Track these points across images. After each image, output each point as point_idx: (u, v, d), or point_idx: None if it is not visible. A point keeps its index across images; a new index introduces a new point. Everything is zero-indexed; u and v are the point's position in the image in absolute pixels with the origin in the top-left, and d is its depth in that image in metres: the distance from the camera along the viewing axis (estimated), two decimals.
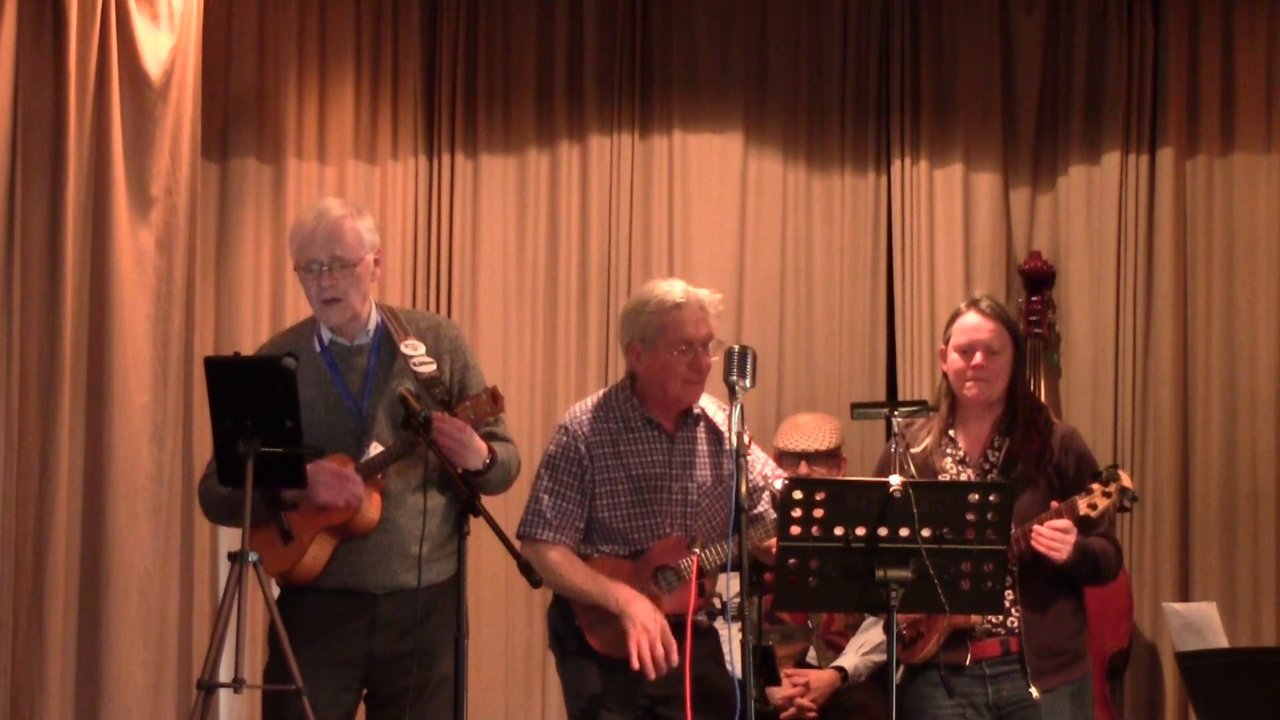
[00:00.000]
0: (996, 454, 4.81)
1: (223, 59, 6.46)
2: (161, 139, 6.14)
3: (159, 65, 6.14)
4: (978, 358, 4.79)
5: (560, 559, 4.74)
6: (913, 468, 4.82)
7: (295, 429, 4.28)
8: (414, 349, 4.63)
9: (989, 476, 4.76)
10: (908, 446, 4.87)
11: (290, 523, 4.47)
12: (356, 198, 6.53)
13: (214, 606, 5.96)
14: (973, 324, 4.82)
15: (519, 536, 4.76)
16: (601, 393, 4.96)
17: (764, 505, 4.86)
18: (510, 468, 4.70)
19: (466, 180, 6.71)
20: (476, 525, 4.44)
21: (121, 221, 6.07)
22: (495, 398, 4.56)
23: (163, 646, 6.04)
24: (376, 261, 4.69)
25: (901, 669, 4.78)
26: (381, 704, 4.63)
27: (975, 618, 4.66)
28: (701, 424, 4.87)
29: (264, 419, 4.25)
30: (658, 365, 4.78)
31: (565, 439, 4.82)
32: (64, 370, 5.94)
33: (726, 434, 4.80)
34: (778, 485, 4.69)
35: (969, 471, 4.80)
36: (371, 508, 4.54)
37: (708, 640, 4.78)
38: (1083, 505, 4.64)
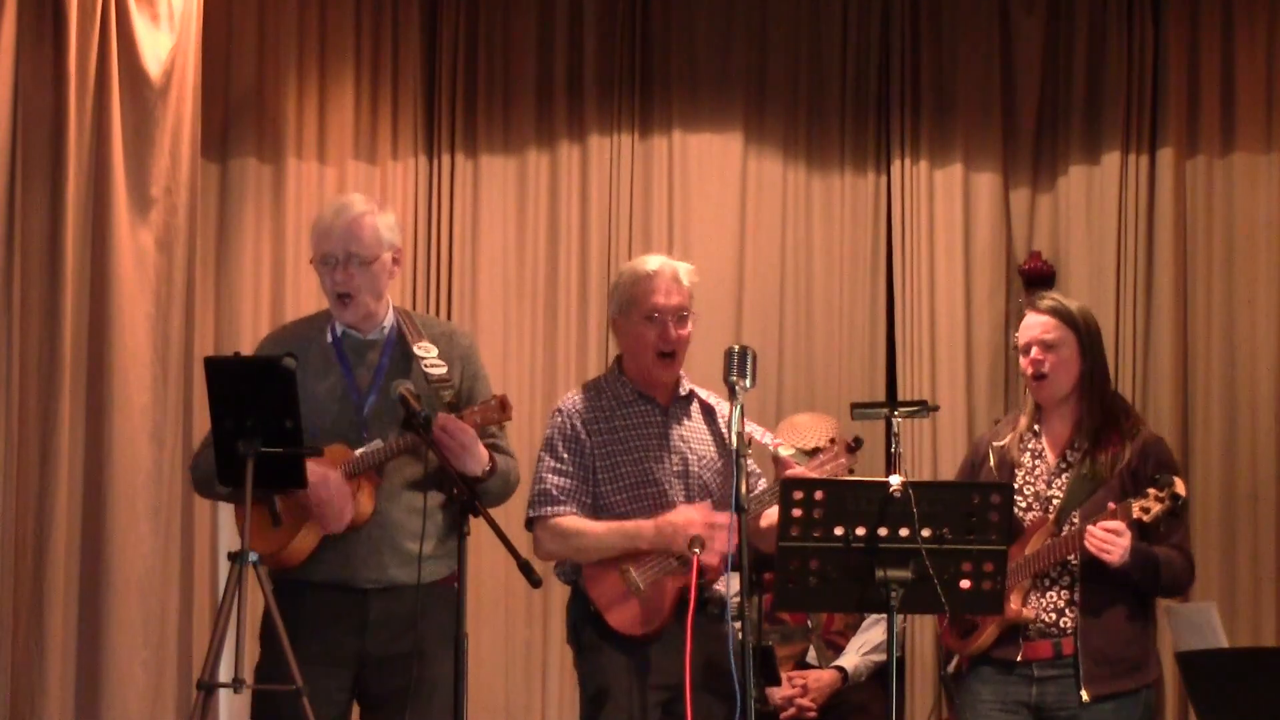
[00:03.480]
0: (1075, 454, 4.80)
1: (223, 59, 6.46)
2: (161, 139, 6.13)
3: (159, 65, 6.13)
4: (1034, 352, 4.80)
5: (574, 524, 4.73)
6: (993, 461, 4.83)
7: (295, 429, 4.28)
8: (426, 350, 4.63)
9: (1064, 475, 4.75)
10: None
11: (281, 505, 4.47)
12: None
13: (214, 606, 5.95)
14: (1028, 323, 4.84)
15: (528, 520, 4.75)
16: (591, 380, 4.99)
17: (757, 471, 4.85)
18: (509, 479, 4.70)
19: (466, 180, 6.71)
20: (476, 525, 4.44)
21: (121, 221, 6.06)
22: (504, 405, 4.57)
23: (163, 646, 6.04)
24: (395, 260, 4.67)
25: (955, 659, 4.81)
26: (374, 705, 4.60)
27: (1030, 614, 4.67)
28: (695, 402, 4.88)
29: (264, 419, 4.25)
30: (632, 337, 4.79)
31: (560, 419, 4.84)
32: (64, 370, 5.93)
33: (725, 430, 4.80)
34: (782, 452, 4.71)
35: (1043, 466, 4.79)
36: (365, 500, 4.53)
37: (722, 627, 4.73)
38: (1136, 509, 4.62)
